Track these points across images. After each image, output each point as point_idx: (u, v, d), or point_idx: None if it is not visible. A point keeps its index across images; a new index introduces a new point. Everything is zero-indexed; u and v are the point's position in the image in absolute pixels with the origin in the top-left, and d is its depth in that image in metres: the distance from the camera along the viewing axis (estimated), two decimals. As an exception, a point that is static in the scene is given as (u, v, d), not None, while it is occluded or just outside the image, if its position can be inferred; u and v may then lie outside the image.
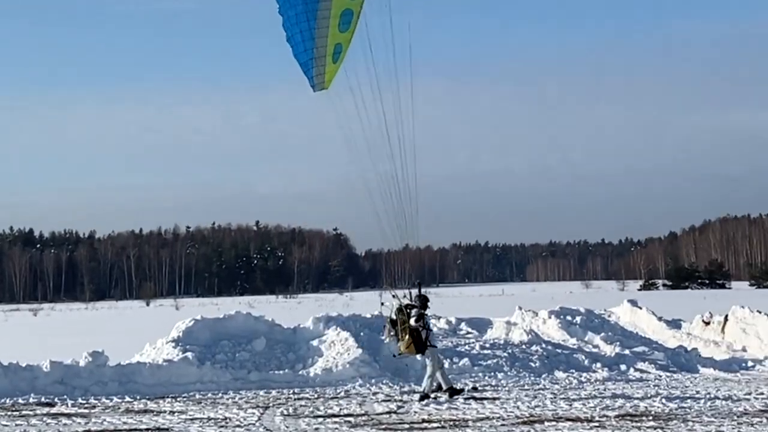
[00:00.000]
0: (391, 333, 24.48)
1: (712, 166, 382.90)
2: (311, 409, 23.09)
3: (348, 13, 22.92)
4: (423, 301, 24.59)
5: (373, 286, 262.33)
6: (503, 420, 20.68)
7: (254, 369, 28.91)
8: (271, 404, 24.10)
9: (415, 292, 24.78)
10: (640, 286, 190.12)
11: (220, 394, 26.33)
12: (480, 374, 29.37)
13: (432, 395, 24.14)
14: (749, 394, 24.41)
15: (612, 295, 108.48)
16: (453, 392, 24.07)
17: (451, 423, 20.46)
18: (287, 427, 20.43)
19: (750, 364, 31.51)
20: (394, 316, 24.39)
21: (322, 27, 22.78)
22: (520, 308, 38.93)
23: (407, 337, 24.01)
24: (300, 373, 28.92)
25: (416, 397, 24.32)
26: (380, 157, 23.35)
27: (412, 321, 24.07)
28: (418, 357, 24.75)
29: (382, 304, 24.95)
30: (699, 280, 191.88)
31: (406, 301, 24.54)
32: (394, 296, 24.68)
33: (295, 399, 25.14)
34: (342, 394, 26.15)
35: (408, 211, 23.42)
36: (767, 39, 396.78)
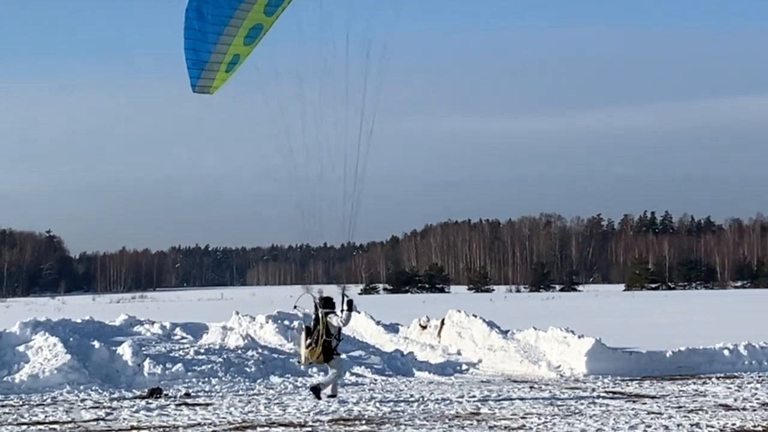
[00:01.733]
0: (307, 342, 23.88)
1: (434, 172, 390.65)
2: (14, 416, 22.07)
3: (258, 27, 22.78)
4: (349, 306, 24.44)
5: (87, 290, 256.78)
6: (215, 426, 20.29)
7: (-45, 376, 27.55)
8: (-30, 413, 22.91)
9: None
10: (361, 290, 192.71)
11: None
12: (194, 380, 28.81)
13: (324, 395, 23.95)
14: (462, 396, 24.74)
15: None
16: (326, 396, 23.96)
17: (161, 430, 19.93)
18: (-14, 437, 19.48)
19: (464, 367, 32.05)
20: (310, 326, 23.98)
21: (229, 35, 22.46)
22: (237, 313, 38.61)
23: (319, 348, 23.59)
24: (5, 379, 27.73)
25: (328, 391, 24.02)
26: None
27: (334, 322, 23.85)
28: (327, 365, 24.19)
29: (295, 307, 24.92)
30: (419, 284, 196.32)
31: (323, 311, 24.05)
32: (316, 308, 24.07)
33: (-3, 407, 24.02)
34: (48, 401, 25.11)
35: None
36: (488, 45, 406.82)
